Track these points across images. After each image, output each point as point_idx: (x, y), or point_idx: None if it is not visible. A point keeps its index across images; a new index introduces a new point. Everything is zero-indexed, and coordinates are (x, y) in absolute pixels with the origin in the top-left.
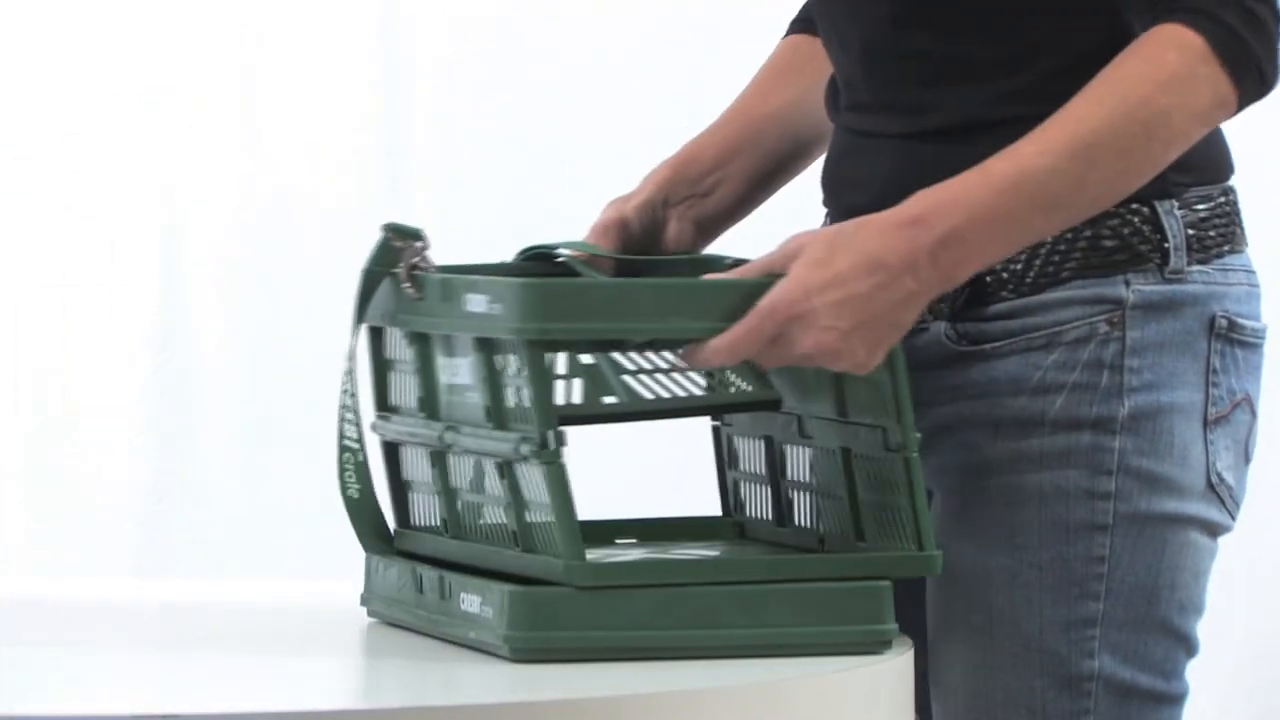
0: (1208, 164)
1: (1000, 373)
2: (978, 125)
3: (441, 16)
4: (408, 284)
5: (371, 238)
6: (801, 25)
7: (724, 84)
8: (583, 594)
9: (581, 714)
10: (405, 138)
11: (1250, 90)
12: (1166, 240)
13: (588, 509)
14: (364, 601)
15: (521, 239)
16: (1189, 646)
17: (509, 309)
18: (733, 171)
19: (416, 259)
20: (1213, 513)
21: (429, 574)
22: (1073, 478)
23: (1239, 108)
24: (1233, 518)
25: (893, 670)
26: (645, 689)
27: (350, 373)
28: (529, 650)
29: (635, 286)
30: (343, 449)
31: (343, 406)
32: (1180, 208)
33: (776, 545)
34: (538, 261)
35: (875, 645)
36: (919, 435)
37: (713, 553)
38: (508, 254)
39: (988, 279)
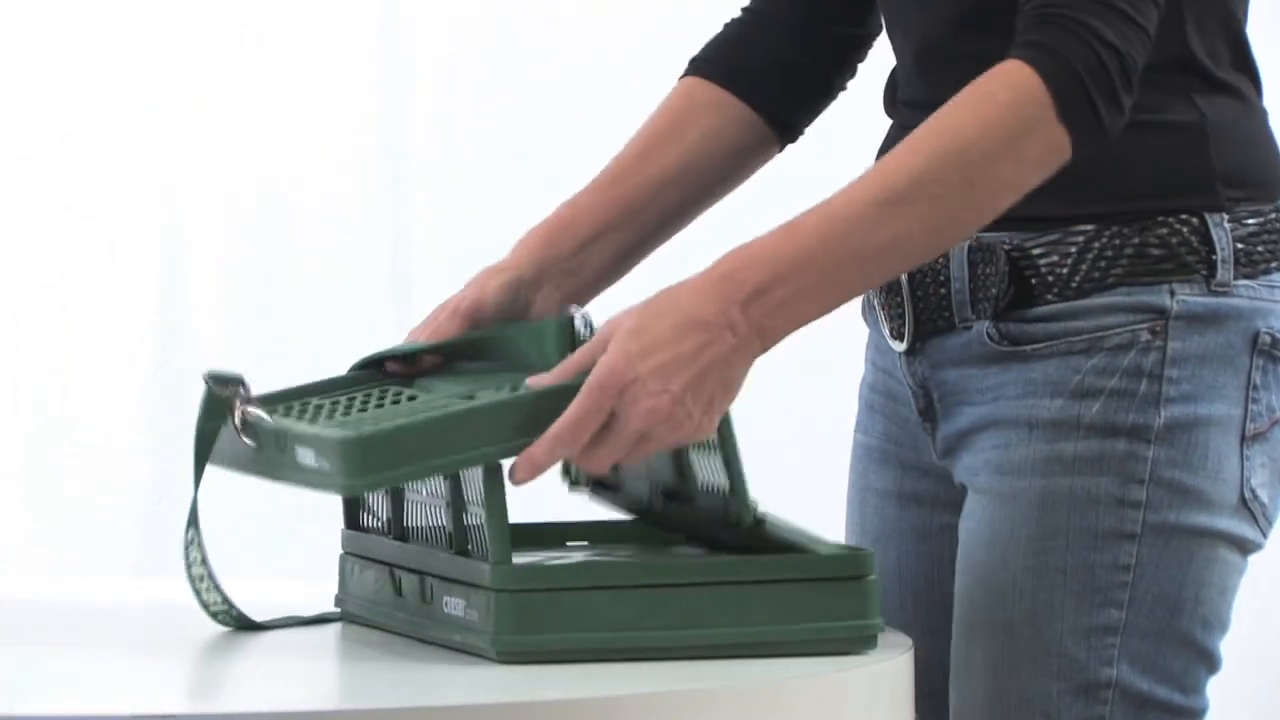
0: (1261, 181)
1: (1039, 374)
2: None
3: (441, 16)
4: (242, 435)
5: (371, 238)
6: (698, 67)
7: None
8: (568, 596)
9: (581, 714)
10: (405, 138)
11: (1083, 137)
12: (1214, 252)
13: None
14: (339, 603)
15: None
16: (1210, 662)
17: (335, 465)
18: (603, 245)
19: (243, 407)
20: (1244, 529)
21: (408, 577)
22: (1104, 484)
23: (1074, 153)
24: (1264, 535)
25: (892, 670)
26: (643, 689)
27: (194, 542)
28: (517, 653)
29: (452, 418)
30: (214, 615)
31: (196, 578)
32: (1230, 221)
33: (726, 550)
34: (373, 369)
35: (861, 642)
36: (756, 503)
37: (651, 557)
38: (507, 253)
39: (1033, 280)
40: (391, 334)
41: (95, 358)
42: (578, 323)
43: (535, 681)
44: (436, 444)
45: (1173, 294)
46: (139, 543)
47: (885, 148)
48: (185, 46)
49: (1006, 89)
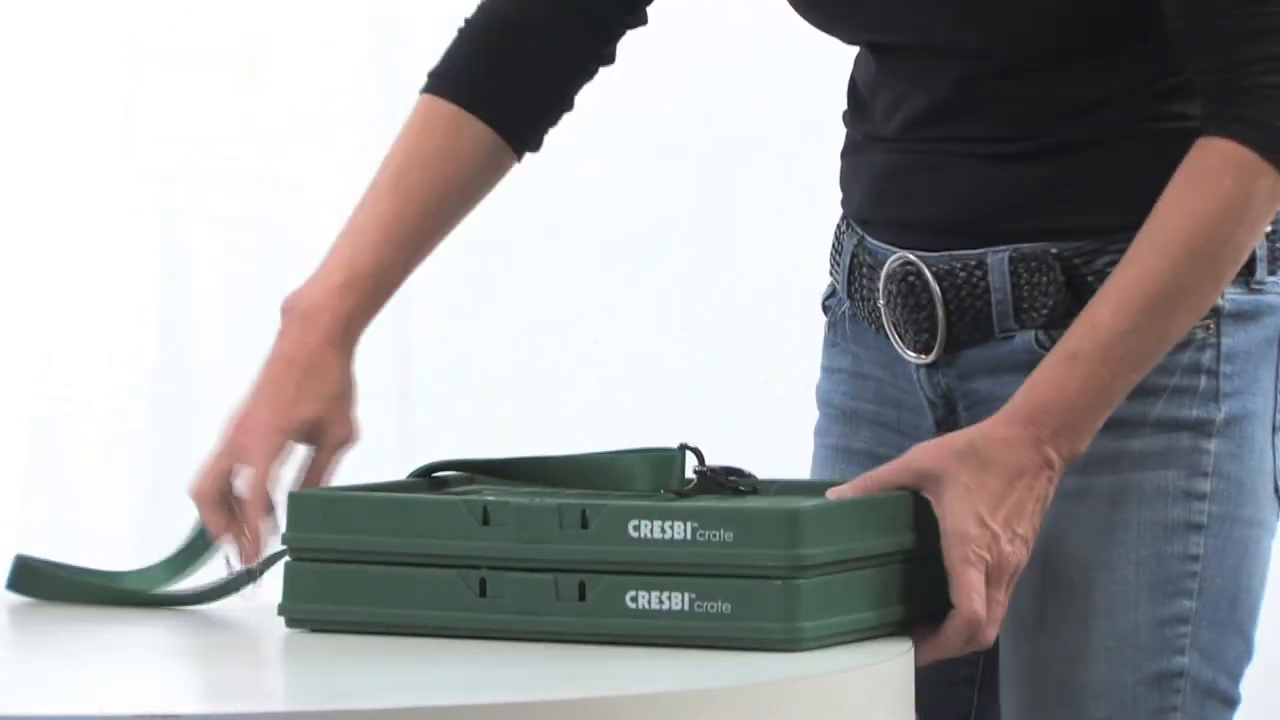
0: None
1: None
2: (1063, 148)
3: (441, 16)
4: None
5: None
6: (438, 84)
7: (724, 84)
8: (837, 579)
9: (581, 714)
10: None
11: None
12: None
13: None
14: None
15: (519, 237)
16: (1250, 653)
17: (769, 538)
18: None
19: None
20: (1274, 519)
21: (564, 578)
22: (1171, 478)
23: None
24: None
25: (893, 670)
26: (643, 689)
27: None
28: (818, 639)
29: (859, 505)
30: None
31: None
32: None
33: None
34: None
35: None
36: None
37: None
38: (505, 251)
39: (1093, 286)
40: (390, 333)
41: (96, 356)
42: (690, 460)
43: (536, 681)
44: (849, 526)
45: (1222, 294)
46: (139, 542)
47: (882, 171)
48: (187, 46)
49: (1228, 174)
